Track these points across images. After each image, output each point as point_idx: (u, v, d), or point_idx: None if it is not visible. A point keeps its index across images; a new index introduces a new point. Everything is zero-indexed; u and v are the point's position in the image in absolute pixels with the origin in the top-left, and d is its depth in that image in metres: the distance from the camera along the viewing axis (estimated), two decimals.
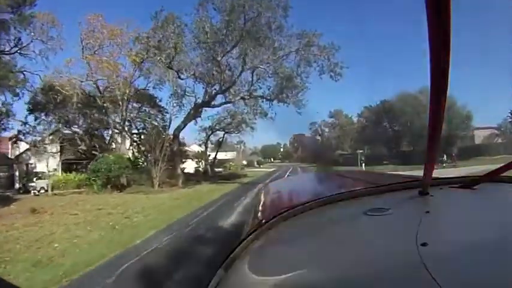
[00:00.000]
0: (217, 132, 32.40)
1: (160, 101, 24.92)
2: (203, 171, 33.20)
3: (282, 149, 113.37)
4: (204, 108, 23.40)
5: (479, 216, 0.90)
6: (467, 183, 1.14)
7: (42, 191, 21.81)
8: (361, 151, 36.21)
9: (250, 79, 21.47)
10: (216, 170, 36.66)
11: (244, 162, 64.96)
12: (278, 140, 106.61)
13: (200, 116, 23.44)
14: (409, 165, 24.11)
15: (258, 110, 22.39)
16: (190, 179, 26.69)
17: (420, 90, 37.28)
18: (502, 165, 1.04)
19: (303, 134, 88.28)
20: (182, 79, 20.97)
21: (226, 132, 32.19)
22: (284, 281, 0.71)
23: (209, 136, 32.52)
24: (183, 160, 31.55)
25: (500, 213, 0.90)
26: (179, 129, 22.91)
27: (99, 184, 19.57)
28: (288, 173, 35.69)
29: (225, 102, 23.14)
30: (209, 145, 35.77)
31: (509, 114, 41.00)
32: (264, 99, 22.48)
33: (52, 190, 22.18)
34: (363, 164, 31.02)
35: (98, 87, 21.69)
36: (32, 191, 22.43)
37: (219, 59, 19.35)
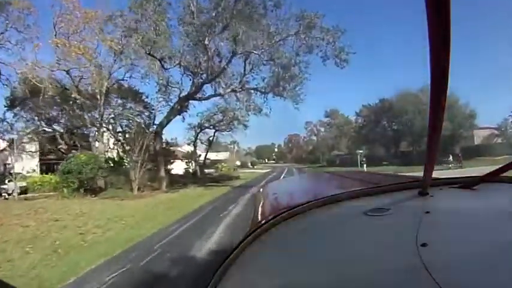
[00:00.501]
0: (208, 130, 30.13)
1: (147, 97, 22.70)
2: (192, 172, 30.87)
3: (276, 149, 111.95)
4: (190, 101, 20.91)
5: (479, 216, 0.89)
6: (467, 183, 1.16)
7: (15, 193, 19.79)
8: (361, 151, 34.17)
9: (242, 70, 18.90)
10: (207, 171, 34.41)
11: (238, 163, 62.92)
12: (273, 141, 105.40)
13: (186, 111, 20.83)
14: (411, 166, 22.75)
15: (251, 105, 20.11)
16: (178, 181, 24.45)
17: (421, 89, 35.97)
18: (502, 165, 1.05)
19: (297, 134, 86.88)
20: (166, 69, 18.51)
21: (217, 131, 29.62)
22: (284, 282, 0.72)
23: (198, 134, 29.77)
24: (172, 161, 29.36)
25: (500, 213, 0.89)
26: (162, 125, 20.24)
27: (71, 188, 17.28)
28: (283, 175, 33.74)
29: (214, 95, 20.48)
30: (200, 144, 33.50)
31: (511, 113, 39.98)
32: (258, 92, 19.93)
33: (26, 193, 20.04)
34: (364, 165, 28.83)
35: (71, 77, 19.25)
36: (3, 194, 20.54)
37: (206, 43, 16.72)
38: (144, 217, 10.68)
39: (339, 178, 2.65)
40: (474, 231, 0.78)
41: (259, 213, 1.69)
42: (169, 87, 18.75)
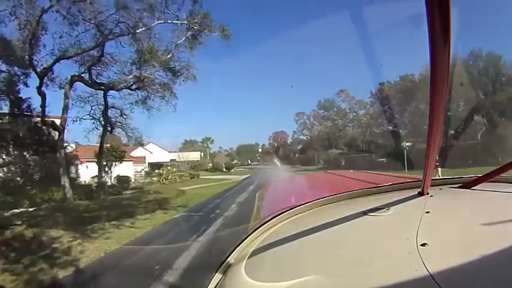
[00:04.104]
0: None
1: None
2: (100, 185, 16.06)
3: (260, 150, 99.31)
4: None
5: (478, 216, 0.88)
6: (467, 183, 1.16)
7: None
8: (408, 144, 20.62)
9: None
10: (137, 183, 19.96)
11: (210, 165, 49.55)
12: (257, 140, 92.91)
13: None
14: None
15: None
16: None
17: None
18: (501, 165, 1.05)
19: (284, 131, 73.36)
20: None
21: (110, 88, 13.66)
22: (286, 279, 0.70)
23: (41, 82, 12.60)
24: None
25: (499, 213, 0.87)
26: None
27: None
28: None
29: None
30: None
31: None
32: None
33: None
34: (439, 170, 14.75)
35: None
36: None
37: None
38: None
39: (339, 178, 2.73)
40: (473, 231, 0.77)
41: (260, 213, 1.81)
42: None
